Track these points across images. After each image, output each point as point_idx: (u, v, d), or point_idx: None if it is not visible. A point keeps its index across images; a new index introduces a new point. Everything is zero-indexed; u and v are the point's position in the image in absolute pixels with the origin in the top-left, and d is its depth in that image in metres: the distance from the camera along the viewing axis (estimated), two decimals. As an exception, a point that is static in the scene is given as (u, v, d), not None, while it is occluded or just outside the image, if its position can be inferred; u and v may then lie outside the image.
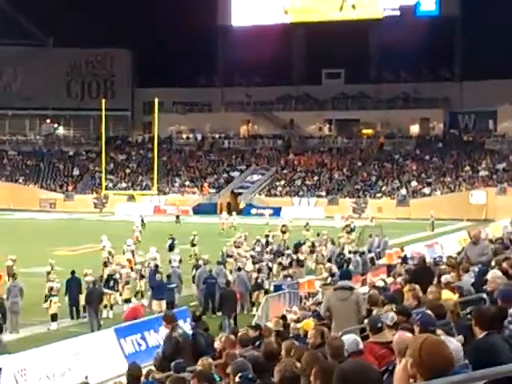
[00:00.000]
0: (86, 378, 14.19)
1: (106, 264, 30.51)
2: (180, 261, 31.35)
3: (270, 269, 31.60)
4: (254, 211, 66.29)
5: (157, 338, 20.67)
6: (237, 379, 6.48)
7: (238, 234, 40.08)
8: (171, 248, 37.82)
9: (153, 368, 13.97)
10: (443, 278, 12.83)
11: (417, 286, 11.09)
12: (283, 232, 44.09)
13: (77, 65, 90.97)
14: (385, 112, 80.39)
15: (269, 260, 32.09)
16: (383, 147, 78.16)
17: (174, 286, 26.75)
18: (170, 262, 31.11)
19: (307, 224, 45.26)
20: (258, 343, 11.82)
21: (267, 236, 39.47)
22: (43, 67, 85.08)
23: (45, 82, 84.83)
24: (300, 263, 33.50)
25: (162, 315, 16.40)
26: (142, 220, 53.18)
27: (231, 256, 33.74)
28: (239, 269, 28.42)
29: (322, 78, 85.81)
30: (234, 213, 59.24)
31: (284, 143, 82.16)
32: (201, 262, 29.11)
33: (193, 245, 39.27)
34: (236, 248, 35.69)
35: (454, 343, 5.67)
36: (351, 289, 12.36)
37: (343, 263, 31.14)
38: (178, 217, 59.51)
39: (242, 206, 67.94)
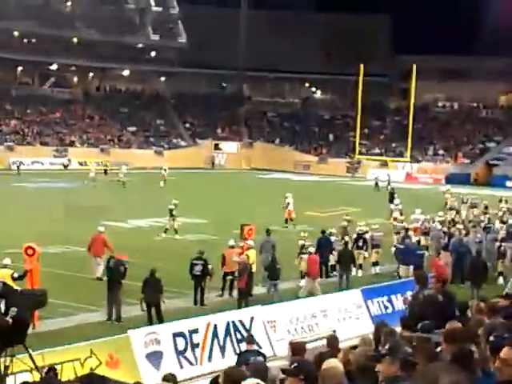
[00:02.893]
0: (334, 331, 14.56)
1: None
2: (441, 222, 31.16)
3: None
4: (509, 184, 64.12)
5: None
6: (491, 338, 6.47)
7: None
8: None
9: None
10: None
11: None
12: None
13: (337, 30, 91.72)
14: None
15: None
16: None
17: (422, 252, 26.52)
18: (432, 221, 31.13)
19: None
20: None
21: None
22: (304, 31, 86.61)
23: (306, 46, 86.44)
24: None
25: (414, 275, 16.36)
26: (388, 182, 54.03)
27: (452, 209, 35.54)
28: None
29: None
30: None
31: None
32: (453, 230, 28.68)
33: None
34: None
35: None
36: None
37: None
38: (376, 184, 58.34)
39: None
